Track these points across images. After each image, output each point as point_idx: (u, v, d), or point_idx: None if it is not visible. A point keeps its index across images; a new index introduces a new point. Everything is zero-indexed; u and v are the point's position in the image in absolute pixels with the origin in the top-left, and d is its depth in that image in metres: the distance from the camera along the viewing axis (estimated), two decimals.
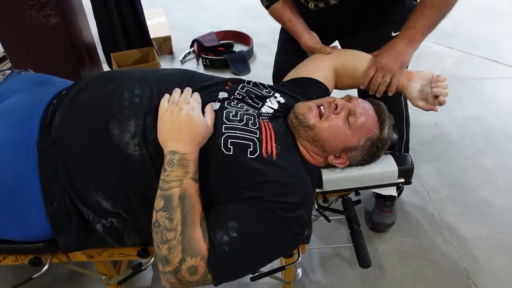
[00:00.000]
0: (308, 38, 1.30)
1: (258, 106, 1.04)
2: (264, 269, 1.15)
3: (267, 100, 1.06)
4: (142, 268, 1.15)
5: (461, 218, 1.82)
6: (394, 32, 1.31)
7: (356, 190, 1.15)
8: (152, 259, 1.08)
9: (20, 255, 1.07)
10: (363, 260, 1.21)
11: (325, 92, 1.19)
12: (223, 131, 0.90)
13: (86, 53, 2.33)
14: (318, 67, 1.23)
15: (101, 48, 2.62)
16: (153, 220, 0.80)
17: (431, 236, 1.75)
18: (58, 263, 1.15)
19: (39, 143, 0.92)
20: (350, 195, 1.29)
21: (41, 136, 0.93)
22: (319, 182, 1.08)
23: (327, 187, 1.09)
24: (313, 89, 1.16)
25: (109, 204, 0.90)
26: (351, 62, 1.24)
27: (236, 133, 0.90)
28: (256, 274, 1.14)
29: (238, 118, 0.95)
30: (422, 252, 1.69)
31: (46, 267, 1.05)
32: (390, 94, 1.20)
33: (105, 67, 2.66)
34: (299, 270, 1.59)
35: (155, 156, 0.88)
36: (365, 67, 1.20)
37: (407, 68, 1.22)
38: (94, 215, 0.92)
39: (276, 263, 1.49)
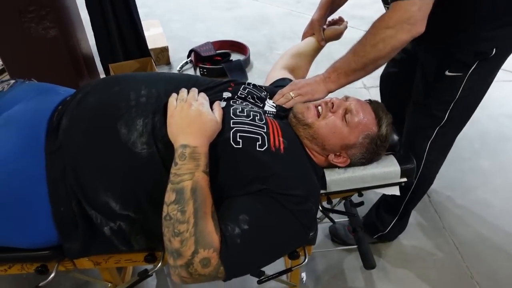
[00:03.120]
0: (317, 16, 1.42)
1: (261, 105, 1.08)
2: (270, 271, 1.16)
3: (266, 101, 1.11)
4: (148, 274, 1.14)
5: (462, 219, 1.84)
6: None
7: (360, 190, 1.16)
8: (159, 264, 1.07)
9: (26, 264, 1.07)
10: (368, 262, 1.22)
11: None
12: (232, 125, 0.92)
13: (85, 64, 2.34)
14: (282, 73, 1.34)
15: (99, 59, 2.63)
16: (164, 214, 0.79)
17: (433, 237, 1.77)
18: (63, 273, 1.14)
19: (46, 148, 0.92)
20: (352, 197, 1.30)
21: (48, 140, 0.93)
22: (323, 183, 1.09)
23: (331, 187, 1.10)
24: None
25: (118, 205, 0.90)
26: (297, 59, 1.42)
27: (244, 127, 0.92)
28: (263, 277, 1.14)
29: (245, 114, 0.97)
30: (425, 254, 1.70)
31: (52, 274, 1.05)
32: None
33: None
34: (304, 274, 1.59)
35: (164, 153, 0.89)
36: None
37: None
38: (102, 218, 0.92)
39: (282, 266, 1.50)
